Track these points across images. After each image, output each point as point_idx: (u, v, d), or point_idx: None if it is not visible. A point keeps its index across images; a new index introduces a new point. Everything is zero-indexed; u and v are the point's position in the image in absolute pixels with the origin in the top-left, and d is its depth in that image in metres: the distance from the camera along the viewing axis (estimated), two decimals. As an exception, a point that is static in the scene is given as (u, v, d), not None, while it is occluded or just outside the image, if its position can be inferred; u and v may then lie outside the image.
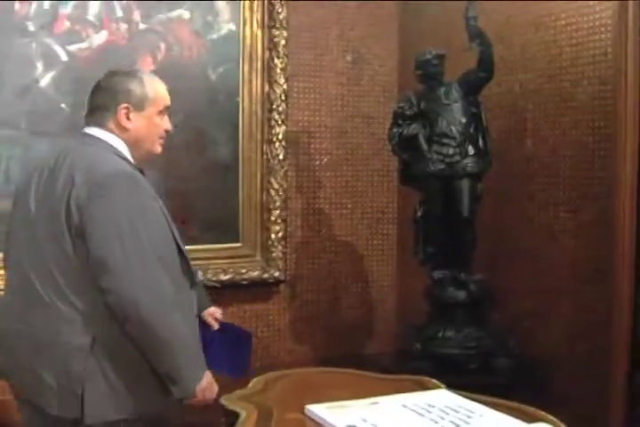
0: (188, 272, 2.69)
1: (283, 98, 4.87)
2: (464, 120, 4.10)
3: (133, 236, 2.41)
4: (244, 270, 4.90)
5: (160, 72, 4.49)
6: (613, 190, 3.90)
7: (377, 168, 5.40)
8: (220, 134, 4.85)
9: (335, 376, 2.97)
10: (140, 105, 2.64)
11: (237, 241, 4.97)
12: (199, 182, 4.81)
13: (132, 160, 2.66)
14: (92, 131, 2.66)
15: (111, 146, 2.62)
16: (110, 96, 2.65)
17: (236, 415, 2.52)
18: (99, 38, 4.49)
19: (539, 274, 4.30)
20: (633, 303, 3.89)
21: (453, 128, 4.09)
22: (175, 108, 4.57)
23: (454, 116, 4.11)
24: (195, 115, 4.73)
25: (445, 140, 4.09)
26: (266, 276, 4.95)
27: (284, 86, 4.88)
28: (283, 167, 4.93)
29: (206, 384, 2.51)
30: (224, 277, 4.82)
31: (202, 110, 4.76)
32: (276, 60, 4.85)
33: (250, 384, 2.82)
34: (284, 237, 4.99)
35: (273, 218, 4.94)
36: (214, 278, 4.79)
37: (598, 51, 3.97)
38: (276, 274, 4.98)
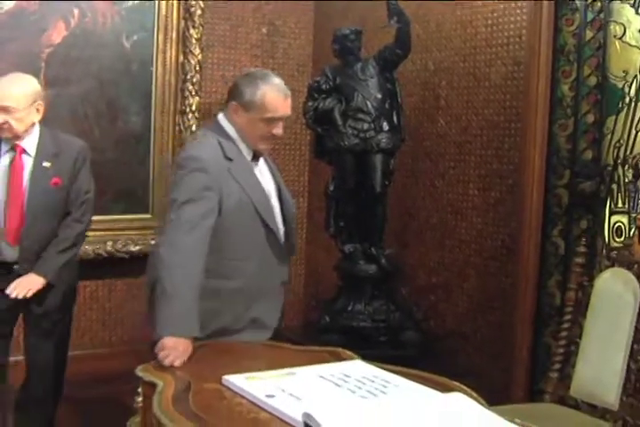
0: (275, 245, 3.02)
1: (197, 69, 4.82)
2: (379, 96, 4.15)
3: (176, 207, 2.83)
4: (153, 242, 4.83)
5: (72, 39, 4.46)
6: (521, 169, 4.00)
7: (288, 142, 5.40)
8: (133, 104, 4.79)
9: (250, 348, 2.96)
10: (247, 108, 2.94)
11: (147, 212, 4.91)
12: (110, 153, 4.75)
13: (239, 144, 2.98)
14: (219, 115, 3.07)
15: (223, 130, 3.00)
16: (233, 91, 3.01)
17: (153, 386, 2.50)
18: (8, 3, 4.36)
19: (447, 249, 4.38)
20: (537, 279, 4.01)
21: (369, 103, 4.14)
22: (86, 76, 4.60)
23: (370, 92, 4.15)
24: (107, 83, 4.65)
25: (360, 116, 4.13)
26: (176, 248, 4.90)
27: (199, 57, 4.83)
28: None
29: (166, 346, 2.67)
30: (134, 249, 4.77)
31: (115, 79, 4.68)
32: (191, 31, 4.80)
33: (166, 354, 2.81)
34: (194, 209, 4.94)
35: (184, 190, 4.88)
36: (124, 249, 4.73)
37: (513, 32, 4.06)
38: (186, 246, 4.93)
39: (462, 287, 4.30)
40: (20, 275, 3.38)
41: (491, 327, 4.16)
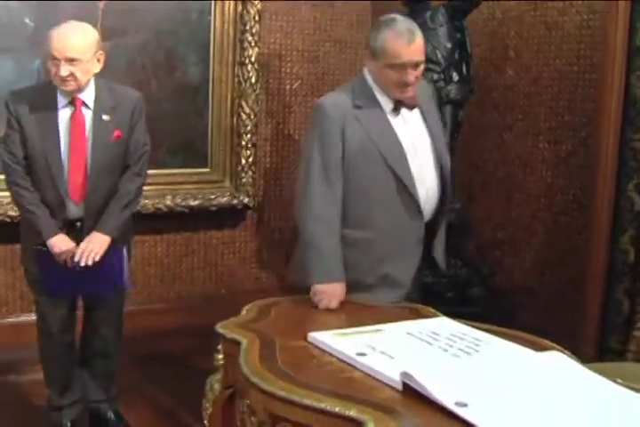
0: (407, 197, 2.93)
1: (256, 19, 4.69)
2: (449, 45, 4.03)
3: (308, 157, 2.94)
4: (212, 196, 4.79)
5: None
6: (596, 121, 3.87)
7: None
8: (191, 55, 4.70)
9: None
10: (374, 55, 2.88)
11: (206, 166, 4.85)
12: (167, 105, 4.67)
13: (376, 93, 2.94)
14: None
15: (364, 79, 2.98)
16: (369, 39, 2.93)
17: (235, 343, 2.45)
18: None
19: (514, 203, 4.29)
20: (610, 235, 3.90)
21: (438, 53, 4.02)
22: (143, 27, 4.50)
23: (439, 41, 4.02)
24: (165, 33, 4.56)
25: (430, 66, 3.99)
26: (235, 202, 4.86)
27: (258, 6, 4.70)
28: (255, 91, 4.80)
29: (317, 291, 2.85)
30: (193, 203, 4.73)
31: (172, 28, 4.59)
32: (250, -21, 4.66)
33: (243, 312, 2.76)
34: (254, 163, 4.88)
35: (243, 143, 4.83)
36: (183, 204, 4.68)
37: (588, -21, 3.89)
38: (246, 200, 4.89)
39: (530, 243, 4.21)
40: (84, 231, 3.32)
41: (560, 284, 4.08)
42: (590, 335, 3.95)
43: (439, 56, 4.00)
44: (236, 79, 4.75)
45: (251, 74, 4.74)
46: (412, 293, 3.09)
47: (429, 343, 2.41)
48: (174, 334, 4.49)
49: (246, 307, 2.81)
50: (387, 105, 2.95)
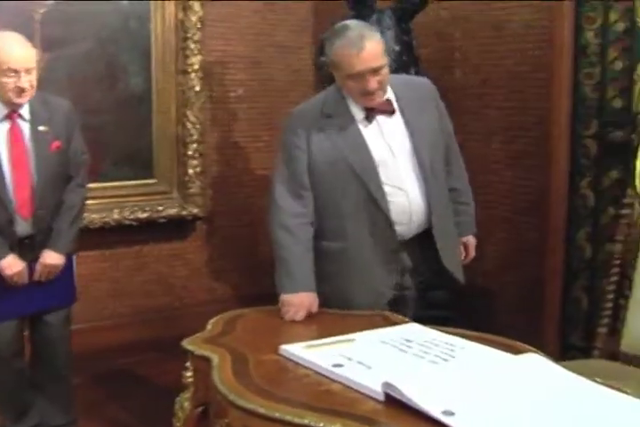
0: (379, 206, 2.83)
1: (198, 26, 4.60)
2: (397, 48, 3.99)
3: (275, 169, 2.97)
4: (160, 208, 4.69)
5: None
6: (547, 121, 3.88)
7: (292, 100, 5.18)
8: (133, 64, 4.59)
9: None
10: (333, 67, 2.81)
11: (152, 177, 4.75)
12: (110, 116, 4.56)
13: (349, 101, 2.85)
14: None
15: (337, 86, 2.88)
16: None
17: (204, 359, 2.38)
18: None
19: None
20: (566, 232, 3.92)
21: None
22: (84, 37, 4.39)
23: (387, 44, 3.93)
24: (105, 42, 4.45)
25: (379, 69, 3.96)
26: (184, 213, 4.77)
27: (200, 13, 4.62)
28: (199, 99, 4.71)
29: (284, 302, 2.79)
30: (141, 216, 4.63)
31: (113, 37, 4.47)
32: (190, -16, 4.57)
33: (208, 326, 2.68)
34: (201, 173, 4.79)
35: (190, 152, 4.74)
36: (131, 217, 4.57)
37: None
38: (195, 211, 4.80)
39: (490, 243, 4.19)
40: (35, 247, 3.24)
41: (520, 284, 4.08)
42: (552, 334, 3.97)
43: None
44: (180, 88, 4.66)
45: (194, 82, 4.66)
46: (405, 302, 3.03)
47: (404, 351, 2.36)
48: (130, 350, 4.39)
49: (211, 321, 2.73)
50: (358, 113, 2.86)
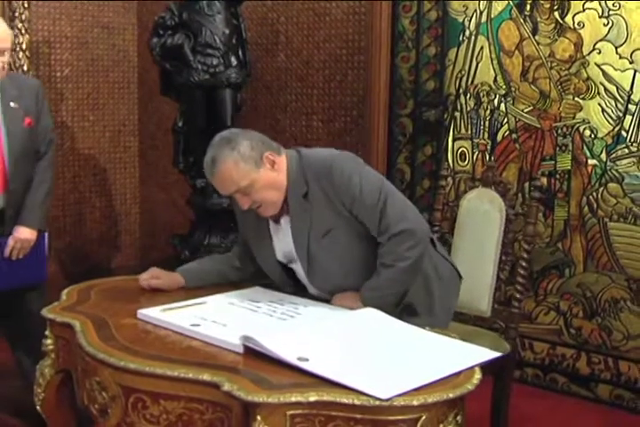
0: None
1: (26, 6, 4.59)
2: (227, 31, 4.18)
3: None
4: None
5: None
6: (366, 101, 4.19)
7: (117, 80, 5.31)
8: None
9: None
10: None
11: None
12: None
13: None
14: None
15: None
16: None
17: (66, 326, 2.50)
18: None
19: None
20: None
21: (217, 39, 4.16)
22: None
23: (218, 27, 4.16)
24: None
25: (209, 51, 4.15)
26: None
27: (25, -8, 4.61)
28: (27, 78, 4.69)
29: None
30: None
31: None
32: (14, -38, 4.55)
33: (63, 297, 2.78)
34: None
35: (16, 131, 4.70)
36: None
37: (353, -34, 4.18)
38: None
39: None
40: (6, 221, 3.23)
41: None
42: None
43: (218, 42, 4.15)
44: (8, 67, 4.62)
45: (22, 62, 4.64)
46: None
47: (254, 311, 2.59)
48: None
49: (65, 291, 2.83)
50: None
